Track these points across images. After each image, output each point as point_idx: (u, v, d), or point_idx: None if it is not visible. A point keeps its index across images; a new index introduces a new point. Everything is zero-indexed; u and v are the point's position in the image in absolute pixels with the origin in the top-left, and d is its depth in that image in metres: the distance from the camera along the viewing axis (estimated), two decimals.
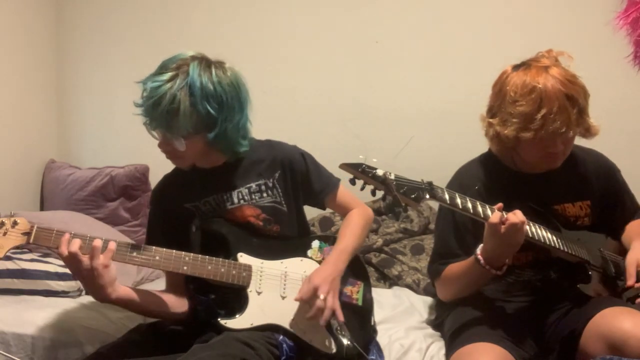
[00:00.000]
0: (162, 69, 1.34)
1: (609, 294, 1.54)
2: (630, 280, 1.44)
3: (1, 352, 1.64)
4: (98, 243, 1.24)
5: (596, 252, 1.56)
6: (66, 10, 2.92)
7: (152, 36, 2.79)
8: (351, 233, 1.53)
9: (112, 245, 1.27)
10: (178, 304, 1.46)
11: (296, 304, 1.41)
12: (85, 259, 1.23)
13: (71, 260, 1.23)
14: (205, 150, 1.43)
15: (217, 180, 1.49)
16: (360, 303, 1.54)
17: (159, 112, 1.30)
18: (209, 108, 1.33)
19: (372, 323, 1.57)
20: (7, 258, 2.00)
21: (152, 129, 1.37)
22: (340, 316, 1.38)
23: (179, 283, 1.49)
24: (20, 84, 2.73)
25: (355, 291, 1.54)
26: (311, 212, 1.87)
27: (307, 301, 1.36)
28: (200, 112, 1.33)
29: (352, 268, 1.55)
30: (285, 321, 1.39)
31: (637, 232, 1.61)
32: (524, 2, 2.40)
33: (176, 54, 1.38)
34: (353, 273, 1.56)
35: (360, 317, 1.53)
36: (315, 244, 1.53)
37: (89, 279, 1.25)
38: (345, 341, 1.41)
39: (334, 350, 1.41)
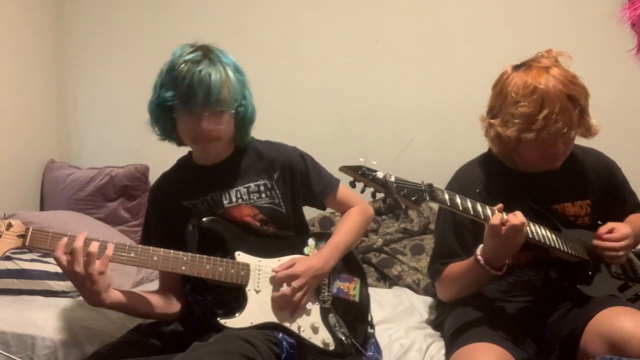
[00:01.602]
0: (190, 62, 1.35)
1: (609, 294, 1.54)
2: (602, 231, 1.50)
3: (1, 352, 1.64)
4: (94, 248, 1.23)
5: (596, 251, 1.56)
6: (66, 10, 2.92)
7: (152, 36, 2.79)
8: (347, 230, 1.54)
9: (109, 251, 1.26)
10: (171, 305, 1.46)
11: None
12: (80, 265, 1.22)
13: (66, 265, 1.22)
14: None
15: (216, 178, 1.49)
16: (357, 299, 1.55)
17: (215, 88, 1.34)
18: (243, 81, 1.43)
19: (369, 319, 1.58)
20: (6, 258, 2.00)
21: (203, 110, 1.36)
22: (296, 313, 1.40)
23: (173, 283, 1.49)
24: (20, 84, 2.73)
25: (352, 287, 1.55)
26: (311, 212, 1.87)
27: (279, 281, 1.38)
28: (241, 83, 1.42)
29: (348, 265, 1.56)
30: (284, 319, 1.39)
31: (631, 220, 1.63)
32: (524, 2, 2.40)
33: (179, 49, 1.40)
34: (349, 269, 1.57)
35: (357, 313, 1.54)
36: (311, 241, 1.53)
37: (84, 285, 1.24)
38: (343, 338, 1.43)
39: (333, 347, 1.42)
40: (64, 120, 2.98)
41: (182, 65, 1.34)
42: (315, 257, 1.46)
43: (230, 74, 1.38)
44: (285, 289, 1.38)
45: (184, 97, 1.34)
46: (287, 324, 1.39)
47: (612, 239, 1.48)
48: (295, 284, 1.38)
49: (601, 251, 1.49)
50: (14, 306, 1.85)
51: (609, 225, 1.52)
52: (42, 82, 2.89)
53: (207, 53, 1.38)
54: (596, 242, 1.50)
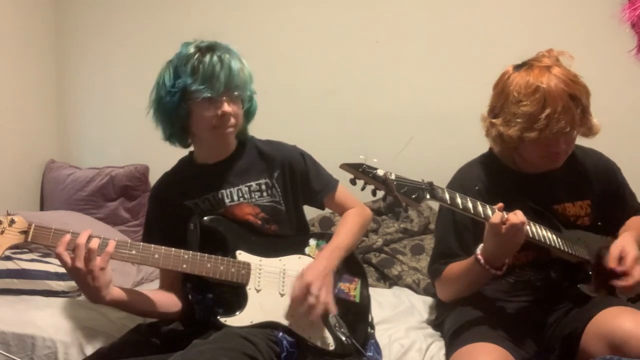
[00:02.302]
0: (205, 49, 1.40)
1: (609, 294, 1.54)
2: (612, 263, 1.45)
3: (1, 352, 1.64)
4: (95, 244, 1.23)
5: (597, 251, 1.56)
6: (66, 10, 2.92)
7: (151, 36, 2.80)
8: (347, 230, 1.54)
9: (110, 247, 1.26)
10: (171, 304, 1.46)
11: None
12: (82, 261, 1.22)
13: (68, 261, 1.22)
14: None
15: (217, 177, 1.50)
16: (357, 300, 1.55)
17: (235, 71, 1.39)
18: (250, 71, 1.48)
19: (370, 320, 1.58)
20: (7, 258, 2.00)
21: (224, 93, 1.39)
22: (334, 310, 1.40)
23: (174, 282, 1.49)
24: (20, 84, 2.73)
25: (352, 288, 1.55)
26: (311, 212, 1.87)
27: (300, 299, 1.37)
28: (250, 75, 1.48)
29: (349, 265, 1.56)
30: (284, 319, 1.39)
31: (633, 225, 1.62)
32: (524, 2, 2.40)
33: (185, 44, 1.43)
34: (350, 270, 1.57)
35: (358, 314, 1.54)
36: (312, 241, 1.54)
37: (85, 281, 1.25)
38: (343, 338, 1.43)
39: (333, 347, 1.42)
40: (64, 120, 2.98)
41: (198, 54, 1.39)
42: (317, 261, 1.45)
43: (244, 61, 1.44)
44: (309, 299, 1.35)
45: (206, 82, 1.37)
46: (286, 323, 1.39)
47: (625, 270, 1.44)
48: (313, 289, 1.36)
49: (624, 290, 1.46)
50: (14, 306, 1.85)
51: (616, 251, 1.47)
52: (42, 82, 2.89)
53: (218, 43, 1.43)
54: (615, 283, 1.45)
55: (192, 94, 1.38)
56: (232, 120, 1.43)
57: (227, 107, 1.40)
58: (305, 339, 1.40)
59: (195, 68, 1.37)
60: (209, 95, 1.37)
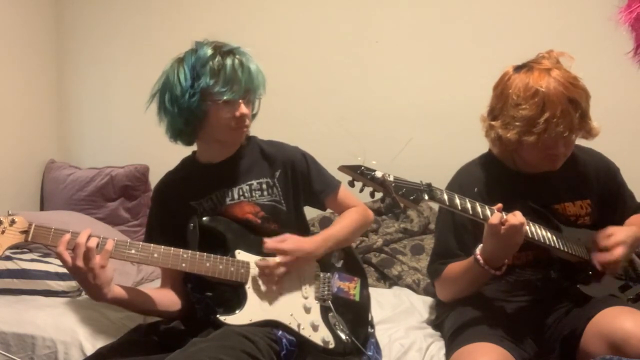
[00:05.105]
0: (224, 52, 1.41)
1: (609, 294, 1.54)
2: (599, 237, 1.51)
3: (1, 352, 1.64)
4: (93, 243, 1.24)
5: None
6: (66, 10, 2.93)
7: (151, 37, 2.80)
8: (344, 224, 1.54)
9: (109, 246, 1.26)
10: (172, 302, 1.46)
11: (294, 300, 1.43)
12: (81, 259, 1.22)
13: (68, 260, 1.23)
14: None
15: (220, 176, 1.50)
16: (357, 299, 1.55)
17: (254, 73, 1.43)
18: None
19: (370, 319, 1.58)
20: (7, 258, 2.00)
21: (244, 95, 1.42)
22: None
23: (175, 281, 1.49)
24: (20, 84, 2.73)
25: (352, 287, 1.55)
26: (311, 212, 1.87)
27: (267, 250, 1.39)
28: (264, 78, 1.50)
29: (348, 264, 1.57)
30: (283, 317, 1.40)
31: (632, 222, 1.62)
32: (524, 3, 2.40)
33: (197, 44, 1.43)
34: (349, 269, 1.57)
35: (358, 313, 1.54)
36: None
37: (86, 279, 1.25)
38: (343, 336, 1.43)
39: (333, 345, 1.42)
40: (64, 120, 2.98)
41: (219, 57, 1.39)
42: (307, 240, 1.46)
43: (258, 65, 1.46)
44: (270, 260, 1.39)
45: (228, 84, 1.38)
46: (286, 322, 1.39)
47: (607, 245, 1.48)
48: (281, 259, 1.39)
49: (599, 262, 1.49)
50: (14, 306, 1.86)
51: (609, 230, 1.52)
52: (42, 82, 2.89)
53: (233, 45, 1.44)
54: (594, 255, 1.50)
55: (212, 95, 1.38)
56: (247, 121, 1.45)
57: (244, 109, 1.42)
58: (305, 336, 1.40)
59: (216, 70, 1.38)
60: (230, 97, 1.39)
